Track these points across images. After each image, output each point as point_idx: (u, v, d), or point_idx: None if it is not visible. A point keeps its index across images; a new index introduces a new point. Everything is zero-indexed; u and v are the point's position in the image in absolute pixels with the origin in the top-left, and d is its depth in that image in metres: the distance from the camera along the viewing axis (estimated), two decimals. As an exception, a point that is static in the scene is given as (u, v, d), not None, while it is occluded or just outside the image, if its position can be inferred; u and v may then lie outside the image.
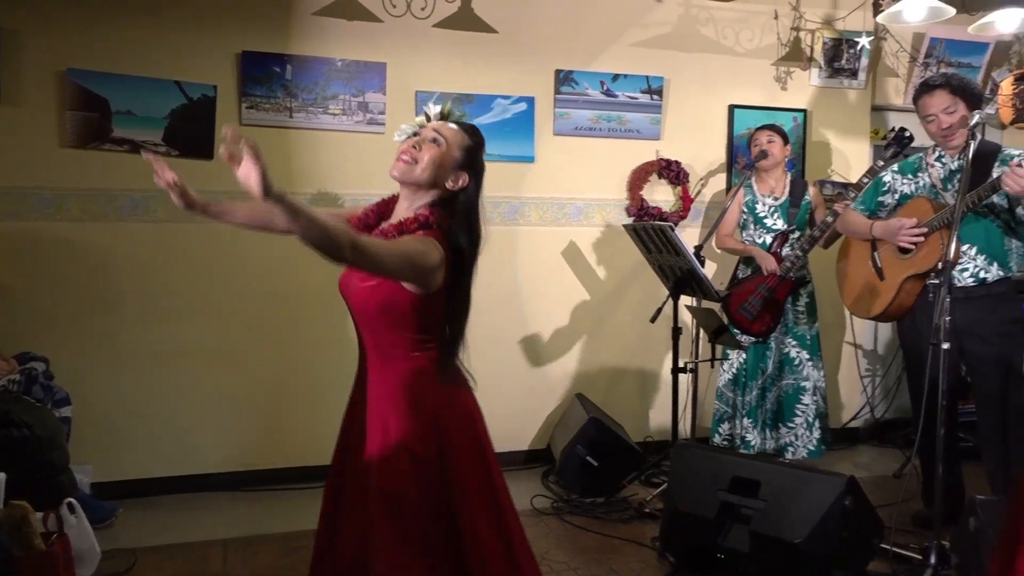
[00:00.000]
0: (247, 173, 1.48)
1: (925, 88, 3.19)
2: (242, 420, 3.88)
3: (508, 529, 1.92)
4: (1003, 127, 4.87)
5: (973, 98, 3.11)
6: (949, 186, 3.18)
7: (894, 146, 3.59)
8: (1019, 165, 2.73)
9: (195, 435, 3.82)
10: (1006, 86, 4.77)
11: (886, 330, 4.81)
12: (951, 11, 3.73)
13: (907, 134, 3.59)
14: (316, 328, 3.92)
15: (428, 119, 1.96)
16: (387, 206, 1.99)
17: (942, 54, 4.72)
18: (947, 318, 2.67)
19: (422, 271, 1.76)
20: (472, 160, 1.92)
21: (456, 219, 1.88)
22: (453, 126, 1.92)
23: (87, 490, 3.45)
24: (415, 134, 1.93)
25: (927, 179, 3.26)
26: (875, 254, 3.36)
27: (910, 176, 3.32)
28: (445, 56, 4.06)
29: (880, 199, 3.39)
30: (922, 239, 3.11)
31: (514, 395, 4.22)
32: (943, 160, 3.22)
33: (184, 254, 3.80)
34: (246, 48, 3.81)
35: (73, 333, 3.66)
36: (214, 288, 3.84)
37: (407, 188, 1.90)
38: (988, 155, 3.06)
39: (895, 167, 3.39)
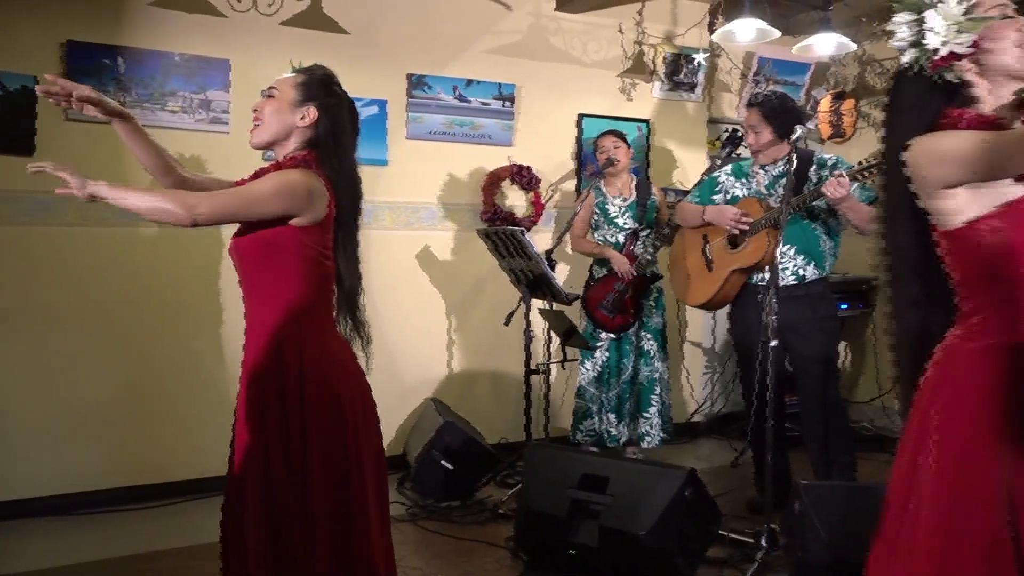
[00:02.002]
0: (64, 181, 1.61)
1: (747, 103, 3.50)
2: (87, 437, 3.59)
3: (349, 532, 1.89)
4: (822, 141, 5.32)
5: (781, 126, 3.34)
6: (772, 191, 3.44)
7: (728, 145, 3.90)
8: (841, 175, 3.00)
9: (30, 455, 3.50)
10: (824, 104, 5.22)
11: (723, 329, 5.12)
12: (776, 33, 4.05)
13: (739, 133, 3.87)
14: (170, 338, 3.69)
15: None
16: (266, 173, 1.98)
17: (769, 72, 5.09)
18: (774, 317, 2.88)
19: (293, 195, 1.77)
20: (311, 92, 1.94)
21: (322, 151, 1.90)
22: (287, 75, 1.96)
23: None
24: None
25: (754, 185, 3.50)
26: (706, 246, 3.60)
27: (742, 180, 3.56)
28: (294, 55, 3.90)
29: (713, 196, 3.62)
30: (747, 227, 3.35)
31: (368, 401, 4.15)
32: (767, 168, 3.48)
33: (23, 257, 3.49)
34: (72, 37, 3.54)
35: None
36: (56, 294, 3.54)
37: (274, 150, 1.94)
38: (805, 161, 3.36)
39: (728, 169, 3.63)
